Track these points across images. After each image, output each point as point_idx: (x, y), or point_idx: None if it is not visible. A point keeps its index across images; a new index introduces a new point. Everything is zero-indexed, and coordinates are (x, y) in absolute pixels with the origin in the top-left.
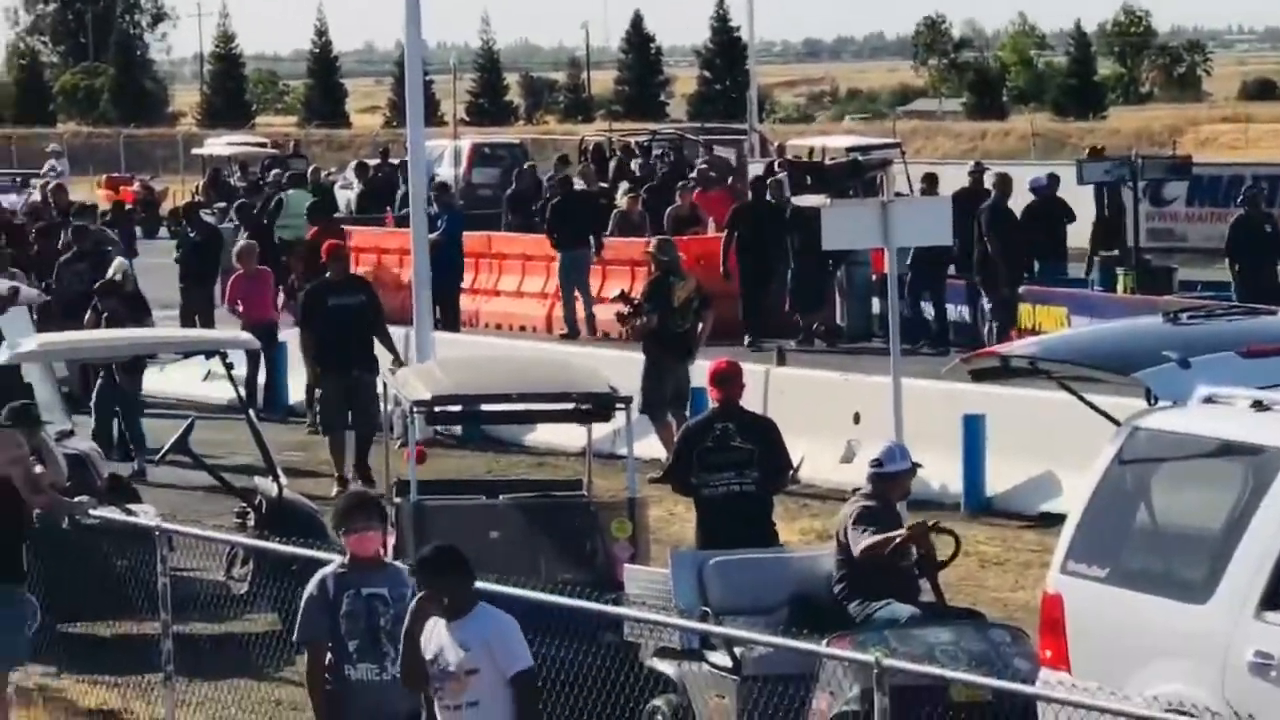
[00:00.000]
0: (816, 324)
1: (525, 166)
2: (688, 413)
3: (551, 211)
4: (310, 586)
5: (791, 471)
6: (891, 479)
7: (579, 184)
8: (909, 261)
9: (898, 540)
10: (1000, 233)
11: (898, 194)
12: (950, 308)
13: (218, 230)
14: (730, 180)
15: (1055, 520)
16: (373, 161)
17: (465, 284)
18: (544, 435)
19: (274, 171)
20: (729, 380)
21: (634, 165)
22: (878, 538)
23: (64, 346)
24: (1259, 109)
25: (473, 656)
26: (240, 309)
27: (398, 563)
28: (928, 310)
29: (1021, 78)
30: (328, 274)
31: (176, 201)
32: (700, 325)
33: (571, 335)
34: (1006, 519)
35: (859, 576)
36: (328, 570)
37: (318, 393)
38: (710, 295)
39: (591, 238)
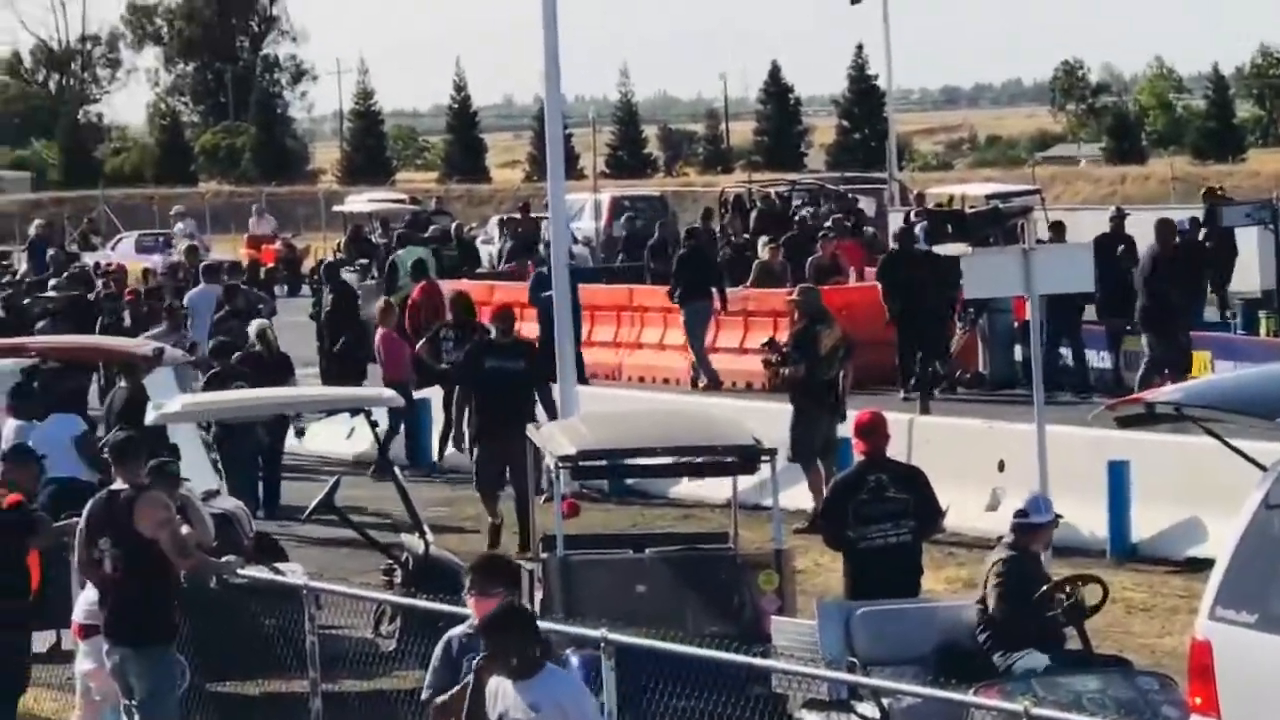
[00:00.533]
0: (959, 371)
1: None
2: (835, 465)
3: (678, 263)
4: (439, 646)
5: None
6: (1034, 530)
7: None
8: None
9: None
10: (1175, 279)
11: (1039, 241)
12: (1091, 353)
13: (352, 288)
14: (863, 228)
15: (1202, 565)
16: (515, 216)
17: (608, 338)
18: (689, 488)
19: (398, 231)
20: (874, 431)
21: (805, 212)
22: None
23: (209, 407)
24: None
25: (544, 717)
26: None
27: None
28: (1066, 356)
29: (1160, 121)
30: (491, 334)
31: (318, 259)
32: (843, 375)
33: (713, 386)
34: (1152, 565)
35: (1002, 625)
36: (456, 631)
37: (474, 453)
38: (854, 344)
39: (714, 290)
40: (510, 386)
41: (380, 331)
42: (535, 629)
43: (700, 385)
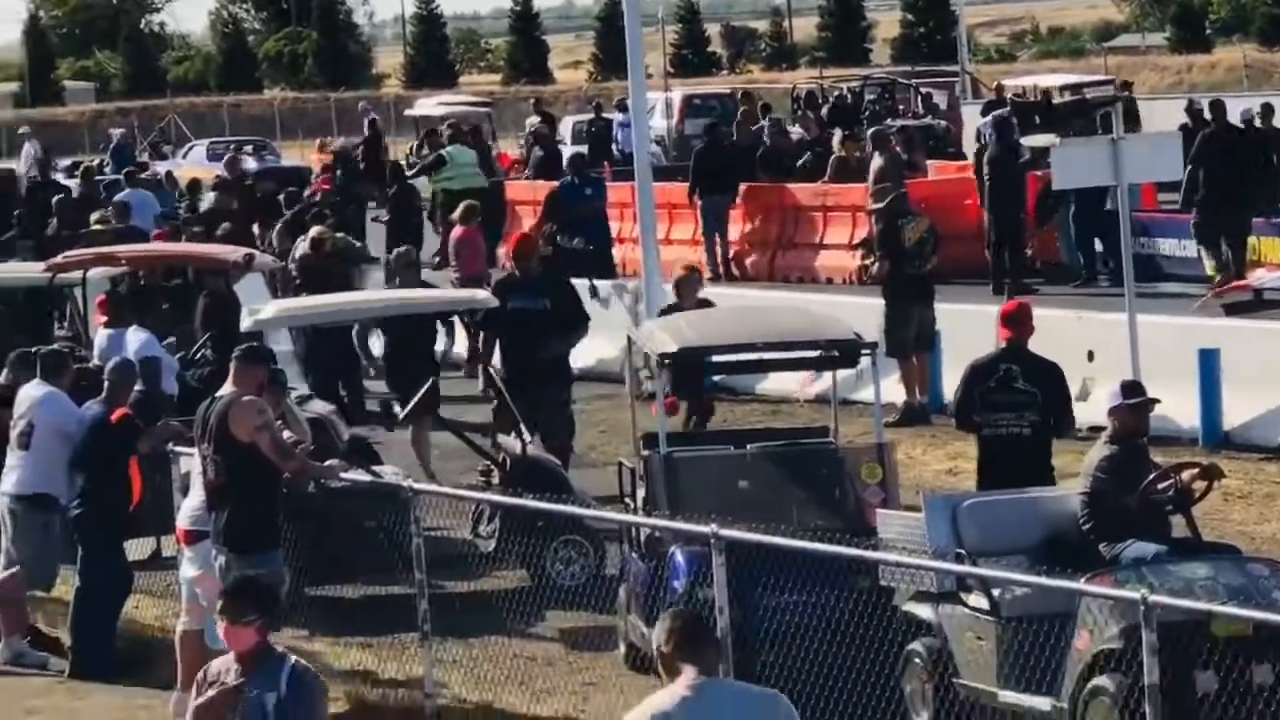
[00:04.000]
0: (1037, 262)
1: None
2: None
3: (696, 158)
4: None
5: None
6: (1128, 411)
7: (796, 132)
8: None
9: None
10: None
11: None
12: (1173, 242)
13: (414, 189)
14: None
15: None
16: (586, 117)
17: (686, 236)
18: (775, 383)
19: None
20: (1019, 321)
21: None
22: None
23: (305, 311)
24: None
25: None
26: (455, 264)
27: (286, 657)
28: (1146, 245)
29: (1224, 9)
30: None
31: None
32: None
33: (715, 278)
34: (1246, 452)
35: (1106, 515)
36: (217, 664)
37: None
38: (940, 235)
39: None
40: (534, 330)
41: (458, 230)
42: None
43: (708, 276)
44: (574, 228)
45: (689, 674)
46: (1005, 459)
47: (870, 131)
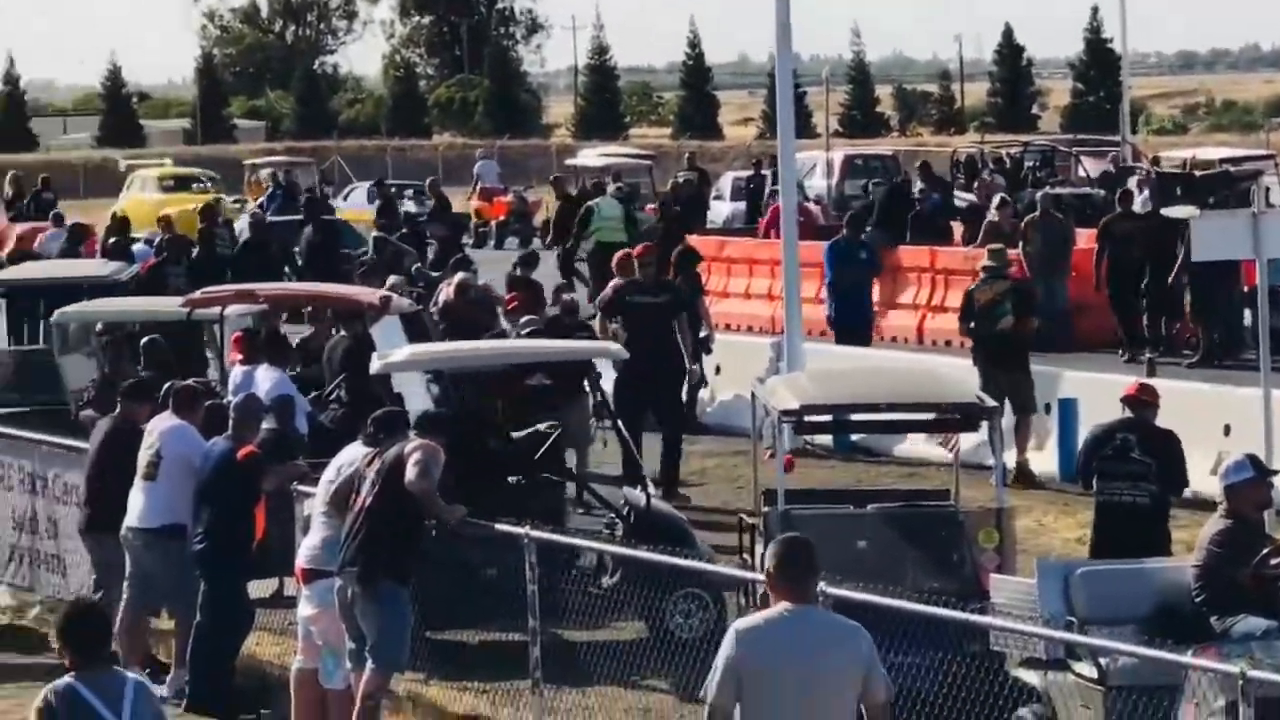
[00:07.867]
0: (1188, 336)
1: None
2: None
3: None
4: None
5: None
6: (1238, 490)
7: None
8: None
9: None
10: None
11: (1269, 205)
12: None
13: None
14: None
15: None
16: (746, 173)
17: None
18: (914, 446)
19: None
20: (1141, 403)
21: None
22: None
23: (434, 357)
24: None
25: None
26: None
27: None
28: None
29: None
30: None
31: (549, 213)
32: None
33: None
34: None
35: (1219, 588)
36: (57, 684)
37: None
38: (1030, 298)
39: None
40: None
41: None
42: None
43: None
44: (840, 291)
45: (785, 601)
46: (1120, 527)
47: (1039, 194)
